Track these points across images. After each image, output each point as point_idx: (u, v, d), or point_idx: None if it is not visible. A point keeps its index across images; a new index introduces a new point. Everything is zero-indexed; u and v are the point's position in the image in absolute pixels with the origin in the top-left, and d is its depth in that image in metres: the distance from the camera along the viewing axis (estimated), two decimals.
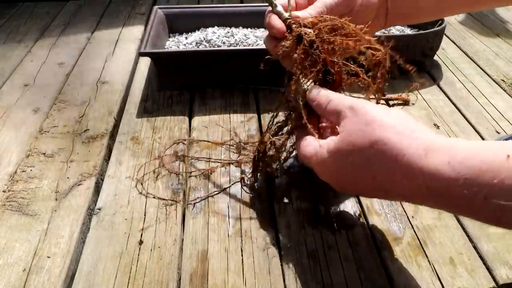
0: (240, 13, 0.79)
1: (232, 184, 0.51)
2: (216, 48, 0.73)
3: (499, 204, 0.27)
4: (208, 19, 0.82)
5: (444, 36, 0.79)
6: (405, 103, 0.68)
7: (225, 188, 0.51)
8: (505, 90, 0.72)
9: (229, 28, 0.81)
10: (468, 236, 0.45)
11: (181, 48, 0.75)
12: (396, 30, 0.82)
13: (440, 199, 0.31)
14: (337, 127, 0.39)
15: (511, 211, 0.27)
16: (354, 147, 0.35)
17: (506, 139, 0.55)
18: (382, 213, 0.48)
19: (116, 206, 0.48)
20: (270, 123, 0.46)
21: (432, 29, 0.73)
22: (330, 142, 0.37)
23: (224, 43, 0.75)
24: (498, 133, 0.61)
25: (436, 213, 0.48)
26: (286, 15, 0.44)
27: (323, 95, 0.40)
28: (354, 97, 0.39)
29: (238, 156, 0.54)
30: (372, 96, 0.44)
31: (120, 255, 0.43)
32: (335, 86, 0.42)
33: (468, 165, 0.29)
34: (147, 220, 0.47)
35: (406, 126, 0.34)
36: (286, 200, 0.49)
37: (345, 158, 0.36)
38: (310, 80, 0.41)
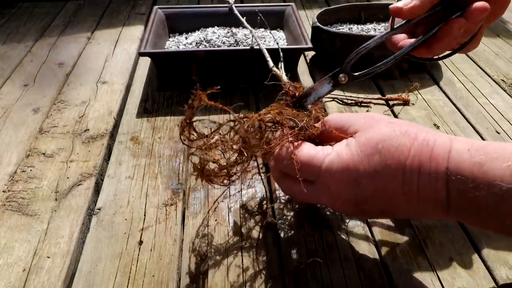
0: (240, 13, 0.79)
1: (232, 185, 0.51)
2: (216, 48, 0.73)
3: (501, 188, 0.29)
4: (208, 19, 0.82)
5: None
6: (405, 103, 0.69)
7: (224, 190, 0.50)
8: (505, 90, 0.72)
9: (229, 28, 0.81)
10: (468, 236, 0.45)
11: (181, 48, 0.75)
12: None
13: (451, 187, 0.32)
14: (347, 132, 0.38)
15: (509, 198, 0.29)
16: (385, 135, 0.34)
17: None
18: None
19: (116, 206, 0.48)
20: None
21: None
22: (351, 139, 0.36)
23: (224, 43, 0.75)
24: (498, 133, 0.61)
25: None
26: (285, 79, 0.50)
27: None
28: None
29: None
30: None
31: (120, 255, 0.43)
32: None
33: (482, 152, 0.31)
34: (147, 220, 0.47)
35: (421, 126, 0.36)
36: (285, 200, 0.49)
37: (374, 146, 0.34)
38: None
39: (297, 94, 0.46)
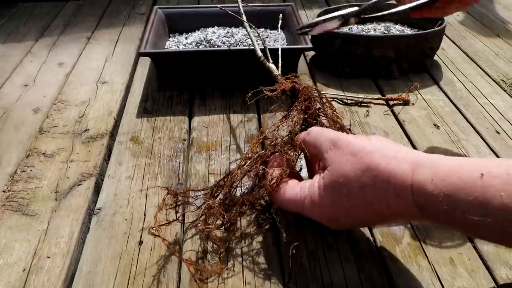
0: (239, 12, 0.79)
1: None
2: (216, 48, 0.73)
3: (474, 219, 0.29)
4: (208, 19, 0.82)
5: (444, 36, 0.79)
6: (405, 103, 0.69)
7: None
8: (505, 90, 0.72)
9: (229, 28, 0.81)
10: (468, 236, 0.45)
11: (181, 48, 0.75)
12: (396, 30, 0.82)
13: (426, 214, 0.33)
14: (321, 161, 0.41)
15: (484, 226, 0.29)
16: (347, 178, 0.36)
17: None
18: None
19: (116, 206, 0.48)
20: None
21: (432, 29, 0.73)
22: (320, 179, 0.39)
23: (224, 43, 0.75)
24: (498, 133, 0.61)
25: None
26: (276, 72, 0.52)
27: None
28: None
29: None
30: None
31: (120, 255, 0.43)
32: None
33: (447, 182, 0.31)
34: (147, 220, 0.47)
35: (389, 148, 0.36)
36: None
37: (339, 190, 0.37)
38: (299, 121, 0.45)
39: (295, 85, 0.48)
